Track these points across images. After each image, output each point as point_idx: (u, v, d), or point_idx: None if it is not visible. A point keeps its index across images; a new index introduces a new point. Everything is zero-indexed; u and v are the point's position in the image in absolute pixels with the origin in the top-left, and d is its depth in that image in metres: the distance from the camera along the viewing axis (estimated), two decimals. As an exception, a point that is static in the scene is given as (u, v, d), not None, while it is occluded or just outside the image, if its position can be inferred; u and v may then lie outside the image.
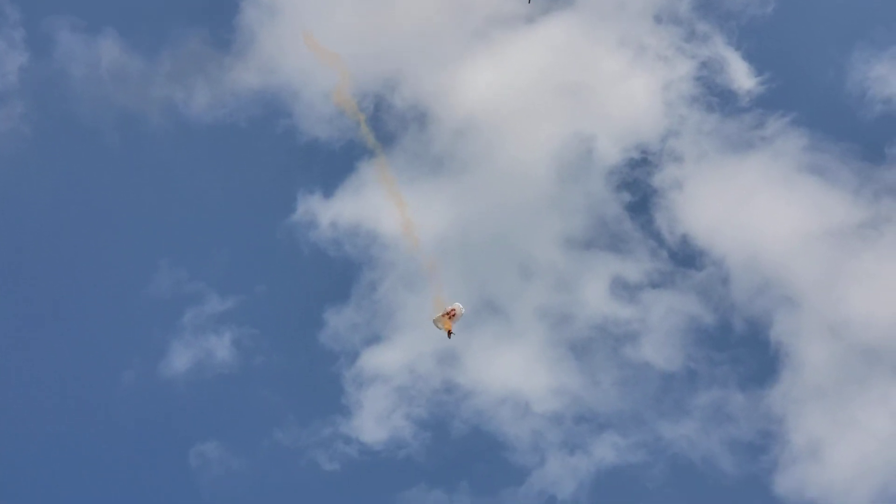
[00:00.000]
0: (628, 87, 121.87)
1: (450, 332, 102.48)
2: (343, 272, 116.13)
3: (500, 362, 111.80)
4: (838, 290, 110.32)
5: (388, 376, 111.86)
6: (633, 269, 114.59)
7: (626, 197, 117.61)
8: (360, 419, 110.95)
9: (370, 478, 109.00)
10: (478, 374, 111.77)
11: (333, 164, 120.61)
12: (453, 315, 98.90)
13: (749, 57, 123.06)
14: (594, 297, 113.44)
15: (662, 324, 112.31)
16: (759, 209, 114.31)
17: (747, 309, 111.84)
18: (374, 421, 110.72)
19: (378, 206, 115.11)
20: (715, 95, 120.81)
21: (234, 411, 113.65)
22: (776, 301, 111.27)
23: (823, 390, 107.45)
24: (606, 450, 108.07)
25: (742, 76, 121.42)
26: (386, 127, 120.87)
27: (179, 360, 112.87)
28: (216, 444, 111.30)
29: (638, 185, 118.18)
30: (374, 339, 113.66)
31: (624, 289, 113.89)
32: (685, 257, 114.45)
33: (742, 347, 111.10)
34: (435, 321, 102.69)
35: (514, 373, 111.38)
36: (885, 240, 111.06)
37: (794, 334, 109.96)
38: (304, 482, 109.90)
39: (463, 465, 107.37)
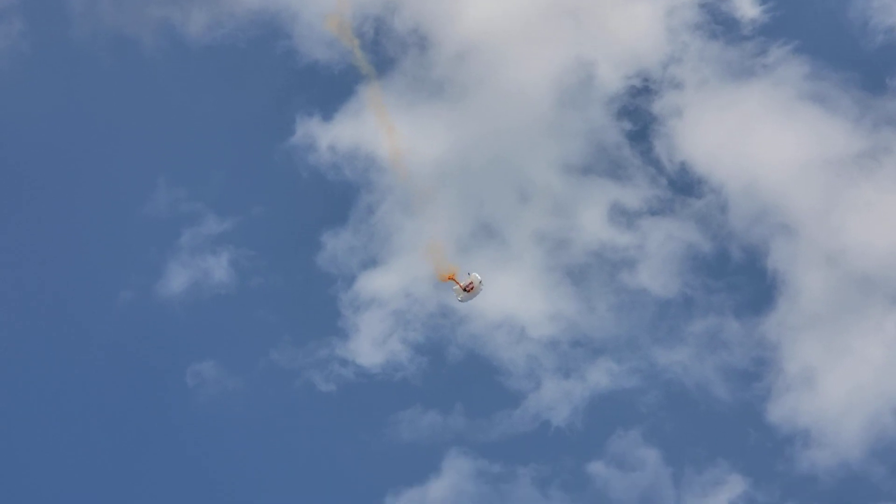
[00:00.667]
0: (631, 13, 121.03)
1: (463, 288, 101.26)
2: (341, 195, 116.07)
3: (496, 286, 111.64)
4: (836, 219, 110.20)
5: (385, 300, 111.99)
6: (632, 195, 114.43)
7: (626, 124, 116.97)
8: (356, 342, 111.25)
9: (366, 399, 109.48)
10: (474, 299, 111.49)
11: (333, 88, 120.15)
12: (471, 288, 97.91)
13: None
14: (592, 223, 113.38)
15: (660, 251, 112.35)
16: (759, 137, 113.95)
17: (745, 237, 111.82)
18: (371, 344, 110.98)
19: (377, 131, 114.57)
20: (719, 23, 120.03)
21: (231, 331, 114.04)
22: (774, 229, 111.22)
23: (819, 318, 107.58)
24: (601, 375, 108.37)
25: (746, 4, 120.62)
26: (386, 51, 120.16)
27: (177, 280, 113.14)
28: (213, 363, 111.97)
29: (638, 112, 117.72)
30: (370, 263, 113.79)
31: (622, 215, 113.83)
32: (684, 185, 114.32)
33: (739, 275, 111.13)
34: (456, 294, 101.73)
35: (510, 297, 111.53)
36: (884, 170, 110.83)
37: (790, 262, 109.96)
38: (300, 403, 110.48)
39: (458, 389, 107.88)
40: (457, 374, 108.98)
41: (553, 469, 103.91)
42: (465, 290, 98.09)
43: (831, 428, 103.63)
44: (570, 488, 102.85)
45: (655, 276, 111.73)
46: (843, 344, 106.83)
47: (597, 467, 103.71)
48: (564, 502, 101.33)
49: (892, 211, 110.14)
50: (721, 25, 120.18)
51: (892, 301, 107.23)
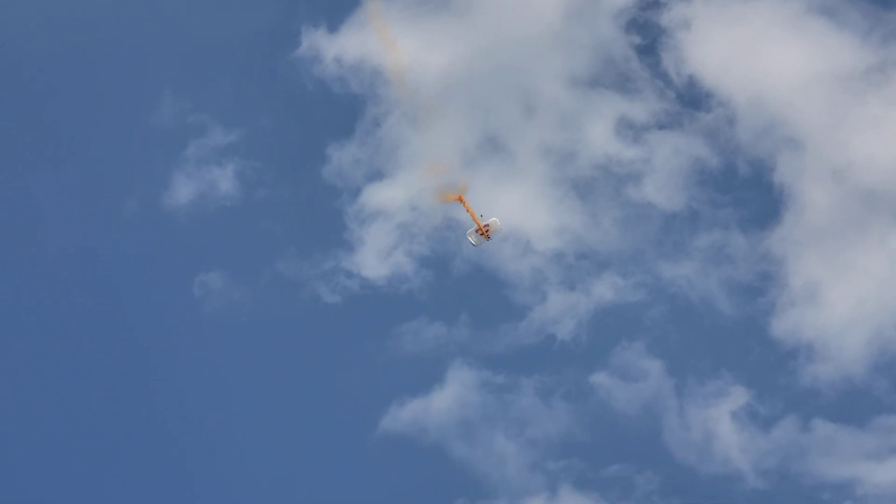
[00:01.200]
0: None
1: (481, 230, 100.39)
2: (347, 108, 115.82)
3: (501, 200, 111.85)
4: (843, 134, 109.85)
5: (391, 213, 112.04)
6: (640, 109, 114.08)
7: (635, 37, 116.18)
8: (361, 255, 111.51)
9: (371, 311, 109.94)
10: (480, 211, 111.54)
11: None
12: (487, 232, 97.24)
13: None
14: (599, 136, 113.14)
15: (666, 165, 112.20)
16: (768, 51, 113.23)
17: (752, 151, 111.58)
18: (376, 257, 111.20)
19: (381, 45, 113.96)
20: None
21: (237, 243, 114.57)
22: (781, 143, 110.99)
23: (824, 233, 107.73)
24: (606, 289, 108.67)
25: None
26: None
27: (183, 191, 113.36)
28: (219, 274, 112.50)
29: (646, 25, 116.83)
30: (376, 176, 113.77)
31: (629, 129, 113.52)
32: (692, 98, 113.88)
33: (745, 190, 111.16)
34: (469, 236, 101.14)
35: (515, 210, 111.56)
36: (892, 84, 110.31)
37: (797, 177, 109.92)
38: (305, 313, 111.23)
39: (463, 301, 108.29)
40: (462, 287, 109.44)
41: (556, 380, 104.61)
42: (482, 233, 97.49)
43: (834, 342, 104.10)
44: (573, 398, 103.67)
45: (661, 190, 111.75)
46: (847, 258, 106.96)
47: (600, 378, 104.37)
48: (567, 412, 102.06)
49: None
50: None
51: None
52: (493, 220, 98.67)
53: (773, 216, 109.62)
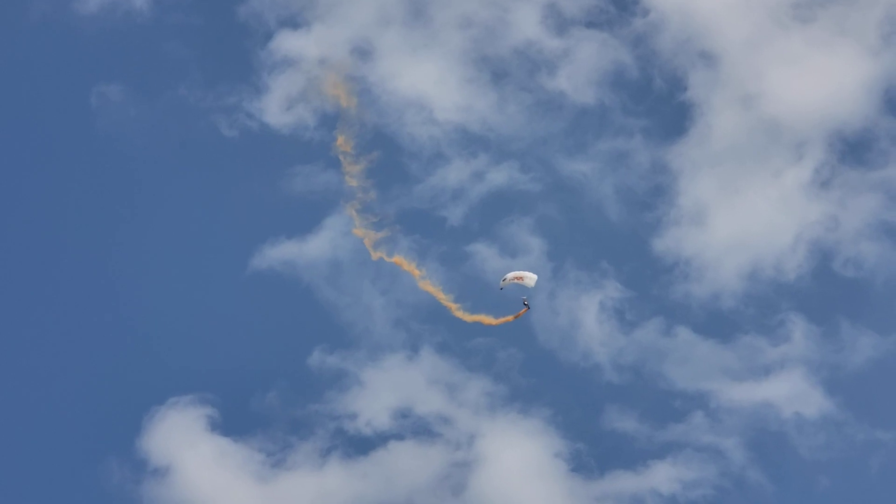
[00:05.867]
0: None
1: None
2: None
3: (411, 66, 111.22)
4: (760, 63, 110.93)
5: (300, 63, 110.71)
6: (571, 2, 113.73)
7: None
8: (266, 100, 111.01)
9: (267, 149, 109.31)
10: (389, 74, 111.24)
11: None
12: (521, 279, 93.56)
13: None
14: (524, 20, 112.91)
15: (585, 63, 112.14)
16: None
17: (670, 64, 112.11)
18: (279, 105, 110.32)
19: None
20: None
21: (142, 59, 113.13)
22: (698, 60, 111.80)
23: (722, 157, 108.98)
24: (501, 174, 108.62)
25: None
26: None
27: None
28: (120, 87, 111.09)
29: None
30: (291, 23, 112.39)
31: (556, 18, 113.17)
32: (625, 1, 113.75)
33: (657, 102, 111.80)
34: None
35: (423, 79, 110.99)
36: (819, 24, 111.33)
37: (708, 96, 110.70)
38: (200, 140, 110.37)
39: (359, 156, 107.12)
40: (361, 145, 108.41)
41: (434, 243, 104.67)
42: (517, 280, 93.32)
43: (711, 266, 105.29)
44: (447, 262, 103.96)
45: (575, 87, 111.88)
46: (739, 186, 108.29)
47: (478, 247, 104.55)
48: (438, 273, 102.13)
49: (816, 68, 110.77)
50: None
51: (796, 156, 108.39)
52: (529, 276, 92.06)
53: (678, 132, 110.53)
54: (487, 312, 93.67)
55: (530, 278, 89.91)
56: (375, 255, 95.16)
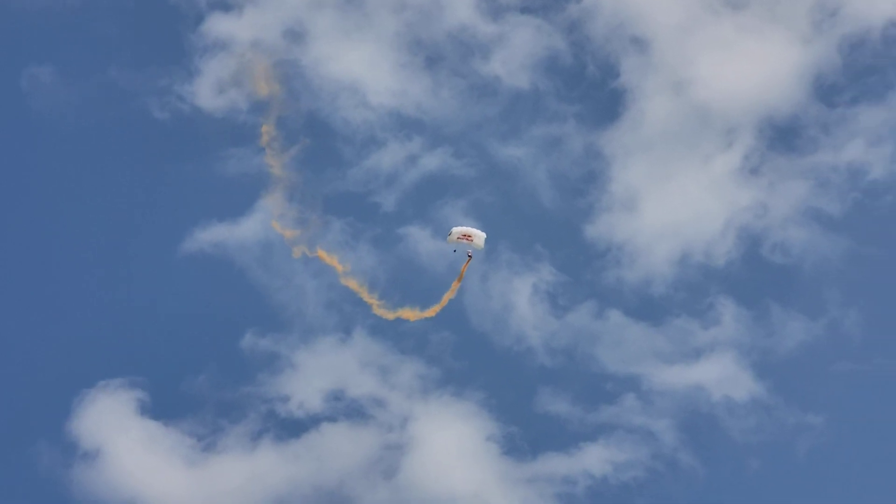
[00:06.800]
0: None
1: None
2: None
3: (346, 50, 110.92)
4: (691, 49, 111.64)
5: (232, 46, 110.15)
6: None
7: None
8: (197, 83, 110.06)
9: (198, 132, 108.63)
10: (322, 58, 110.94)
11: None
12: (470, 238, 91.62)
13: None
14: (459, 4, 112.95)
15: (520, 49, 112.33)
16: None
17: (603, 50, 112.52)
18: (211, 88, 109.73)
19: None
20: None
21: (74, 41, 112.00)
22: (630, 46, 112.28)
23: (653, 143, 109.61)
24: (434, 159, 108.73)
25: None
26: None
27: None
28: (51, 69, 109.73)
29: None
30: (223, 5, 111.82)
31: (492, 3, 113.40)
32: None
33: (591, 87, 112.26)
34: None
35: (359, 64, 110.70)
36: (750, 11, 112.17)
37: (640, 82, 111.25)
38: (132, 123, 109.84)
39: (292, 140, 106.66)
40: (294, 129, 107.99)
41: (367, 226, 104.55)
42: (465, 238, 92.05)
43: (643, 252, 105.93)
44: (380, 244, 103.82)
45: (510, 72, 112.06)
46: (670, 172, 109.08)
47: (411, 230, 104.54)
48: (371, 256, 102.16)
49: (747, 54, 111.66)
50: None
51: (726, 142, 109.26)
52: (478, 234, 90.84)
53: (611, 118, 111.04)
54: (415, 301, 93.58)
55: (479, 237, 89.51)
56: (297, 252, 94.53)
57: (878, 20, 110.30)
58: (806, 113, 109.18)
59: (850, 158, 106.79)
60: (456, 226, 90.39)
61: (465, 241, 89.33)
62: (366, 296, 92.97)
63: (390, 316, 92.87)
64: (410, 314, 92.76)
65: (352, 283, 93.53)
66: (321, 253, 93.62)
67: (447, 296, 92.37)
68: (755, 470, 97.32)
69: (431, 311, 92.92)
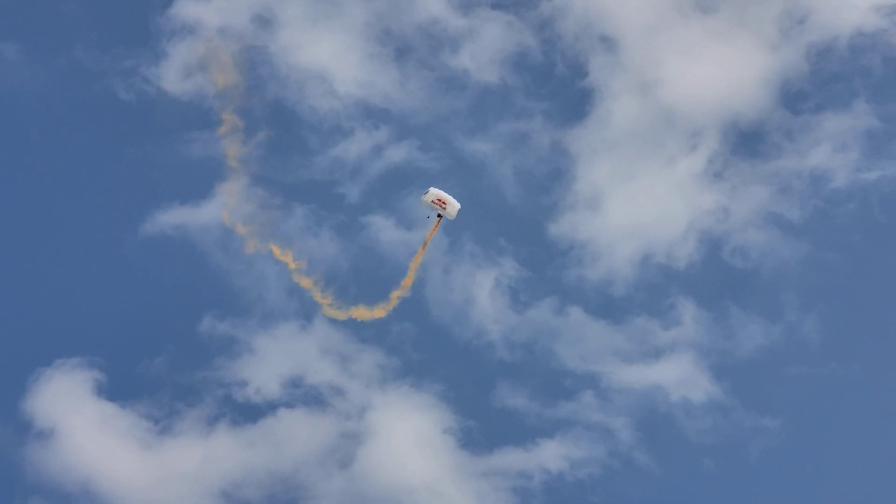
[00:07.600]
0: None
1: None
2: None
3: (315, 38, 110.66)
4: (659, 50, 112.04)
5: (200, 31, 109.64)
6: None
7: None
8: (164, 67, 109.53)
9: (163, 114, 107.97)
10: (290, 45, 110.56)
11: None
12: (444, 204, 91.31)
13: None
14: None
15: (490, 44, 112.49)
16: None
17: (573, 49, 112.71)
18: (177, 72, 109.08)
19: None
20: None
21: (39, 19, 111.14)
22: (599, 46, 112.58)
23: (618, 143, 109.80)
24: (400, 150, 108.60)
25: None
26: None
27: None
28: (16, 46, 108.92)
29: None
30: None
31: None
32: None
33: (559, 85, 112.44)
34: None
35: (327, 52, 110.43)
36: (720, 16, 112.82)
37: (608, 82, 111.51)
38: (96, 104, 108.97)
39: (260, 126, 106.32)
40: (260, 116, 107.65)
41: (329, 213, 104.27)
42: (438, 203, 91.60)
43: (605, 252, 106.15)
44: (343, 232, 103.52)
45: (479, 67, 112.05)
46: (634, 172, 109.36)
47: (374, 219, 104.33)
48: (333, 244, 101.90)
49: (714, 58, 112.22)
50: None
51: (690, 145, 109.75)
52: (452, 203, 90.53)
53: (578, 116, 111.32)
54: (374, 290, 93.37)
55: (453, 206, 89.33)
56: (250, 247, 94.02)
57: (846, 29, 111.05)
58: (771, 119, 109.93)
59: (814, 165, 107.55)
60: (434, 187, 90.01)
61: (438, 205, 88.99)
62: (318, 296, 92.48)
63: (342, 316, 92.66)
64: (362, 314, 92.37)
65: (304, 282, 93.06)
66: (275, 249, 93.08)
67: (413, 265, 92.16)
68: (709, 470, 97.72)
69: (382, 311, 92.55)
